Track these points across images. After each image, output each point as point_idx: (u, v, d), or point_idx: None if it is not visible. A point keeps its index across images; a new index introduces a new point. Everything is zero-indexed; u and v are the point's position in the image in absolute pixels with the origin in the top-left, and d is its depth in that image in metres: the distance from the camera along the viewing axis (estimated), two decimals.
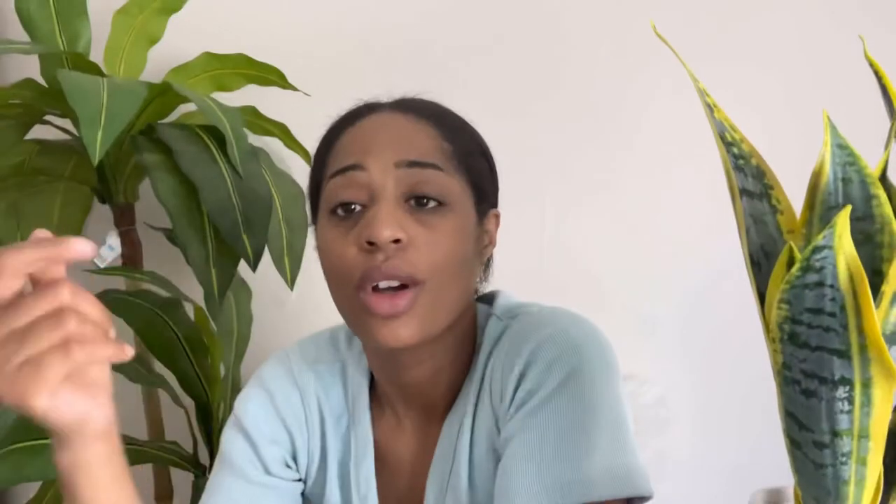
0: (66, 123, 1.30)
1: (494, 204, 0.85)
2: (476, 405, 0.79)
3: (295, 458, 0.86)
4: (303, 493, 0.88)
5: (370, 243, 0.72)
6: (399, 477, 0.84)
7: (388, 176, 0.74)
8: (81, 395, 0.57)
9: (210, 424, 1.35)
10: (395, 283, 0.72)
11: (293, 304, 1.51)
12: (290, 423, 0.85)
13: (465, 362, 0.82)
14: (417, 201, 0.75)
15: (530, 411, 0.73)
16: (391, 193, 0.74)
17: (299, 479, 0.87)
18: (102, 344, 0.55)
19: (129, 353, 0.56)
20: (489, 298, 0.86)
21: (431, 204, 0.75)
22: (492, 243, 0.84)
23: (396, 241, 0.72)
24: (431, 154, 0.76)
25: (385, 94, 0.85)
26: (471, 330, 0.83)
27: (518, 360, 0.75)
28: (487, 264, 0.85)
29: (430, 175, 0.75)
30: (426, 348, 0.76)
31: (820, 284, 0.42)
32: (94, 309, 0.55)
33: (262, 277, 1.23)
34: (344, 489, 0.84)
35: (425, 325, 0.74)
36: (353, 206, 0.75)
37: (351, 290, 0.74)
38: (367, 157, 0.75)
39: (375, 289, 0.72)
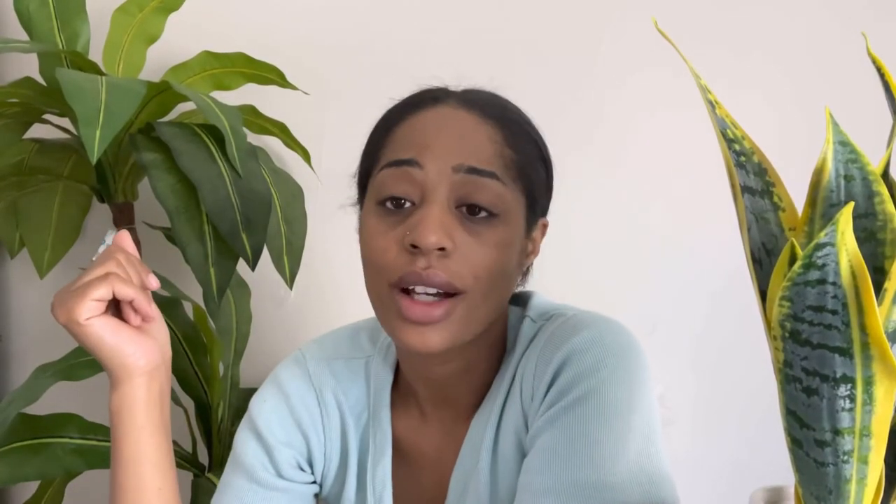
0: (65, 122, 1.30)
1: (545, 212, 0.83)
2: (504, 404, 0.78)
3: (310, 461, 0.85)
4: (317, 495, 0.87)
5: (414, 246, 0.70)
6: (421, 473, 0.83)
7: (443, 179, 0.72)
8: (127, 332, 0.75)
9: (209, 424, 1.35)
10: (431, 291, 0.71)
11: (292, 303, 1.51)
12: (306, 426, 0.84)
13: (496, 362, 0.81)
14: (469, 209, 0.72)
15: (560, 411, 0.71)
16: (443, 197, 0.72)
17: (313, 482, 0.86)
18: (130, 286, 0.74)
19: (153, 284, 0.78)
20: (522, 299, 0.84)
21: (483, 214, 0.73)
22: (535, 252, 0.82)
23: (441, 248, 0.70)
24: (491, 161, 0.74)
25: (454, 80, 0.82)
26: (502, 331, 0.81)
27: (552, 362, 0.74)
28: (527, 272, 0.84)
29: (487, 184, 0.73)
30: (455, 349, 0.75)
31: (822, 282, 0.42)
32: (134, 262, 0.78)
33: (261, 276, 1.23)
34: (360, 488, 0.84)
35: (456, 334, 0.72)
36: (402, 202, 0.73)
37: (385, 287, 0.72)
38: (424, 154, 0.73)
39: (411, 291, 0.71)
